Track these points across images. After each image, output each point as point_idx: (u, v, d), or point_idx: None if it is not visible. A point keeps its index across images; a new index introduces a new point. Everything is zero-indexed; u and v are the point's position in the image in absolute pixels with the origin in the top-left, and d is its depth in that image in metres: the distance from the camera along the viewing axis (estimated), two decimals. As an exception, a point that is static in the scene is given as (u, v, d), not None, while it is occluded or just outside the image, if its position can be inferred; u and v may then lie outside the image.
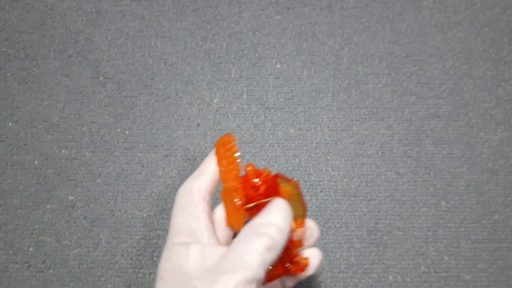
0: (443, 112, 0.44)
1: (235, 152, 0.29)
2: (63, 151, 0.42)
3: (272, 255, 0.24)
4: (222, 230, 0.30)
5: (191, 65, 0.46)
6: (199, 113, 0.44)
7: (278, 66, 0.46)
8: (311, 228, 0.30)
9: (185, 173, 0.42)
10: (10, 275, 0.38)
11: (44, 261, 0.38)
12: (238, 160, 0.28)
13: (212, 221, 0.28)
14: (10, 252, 0.39)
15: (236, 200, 0.27)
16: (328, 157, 0.43)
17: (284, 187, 0.28)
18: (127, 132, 0.43)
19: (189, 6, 0.48)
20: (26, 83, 0.44)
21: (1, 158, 0.42)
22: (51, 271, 0.38)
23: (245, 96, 0.45)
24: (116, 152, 0.42)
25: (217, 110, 0.44)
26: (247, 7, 0.48)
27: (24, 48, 0.46)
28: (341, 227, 0.40)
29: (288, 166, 0.42)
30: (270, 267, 0.27)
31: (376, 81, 0.45)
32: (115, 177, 0.41)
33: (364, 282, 0.39)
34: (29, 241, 0.39)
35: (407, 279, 0.39)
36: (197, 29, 0.47)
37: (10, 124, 0.43)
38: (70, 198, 0.40)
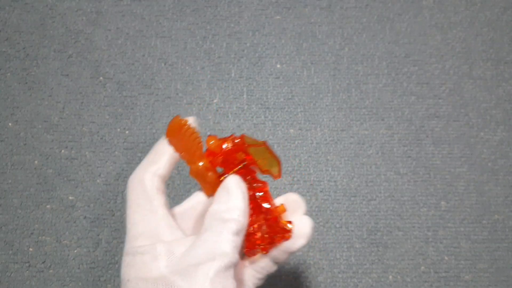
0: (443, 112, 0.44)
1: (191, 132, 0.27)
2: (63, 151, 0.42)
3: (241, 237, 0.24)
4: (190, 220, 0.28)
5: (191, 65, 0.46)
6: (199, 113, 0.44)
7: (278, 66, 0.46)
8: (296, 201, 0.29)
9: (185, 173, 0.42)
10: (10, 275, 0.38)
11: (44, 261, 0.38)
12: (198, 138, 0.27)
13: (172, 213, 0.27)
14: (10, 252, 0.39)
15: (210, 174, 0.26)
16: (328, 157, 0.43)
17: (259, 161, 0.27)
18: (127, 132, 0.43)
19: (189, 6, 0.48)
20: (26, 83, 0.44)
21: (1, 158, 0.42)
22: (51, 271, 0.38)
23: (245, 96, 0.45)
24: (116, 152, 0.42)
25: (217, 110, 0.44)
26: (247, 7, 0.48)
27: (24, 48, 0.46)
28: (341, 227, 0.40)
29: (288, 166, 0.42)
30: (254, 242, 0.26)
31: (376, 81, 0.46)
32: (115, 177, 0.41)
33: (364, 282, 0.39)
34: (29, 241, 0.39)
35: (407, 279, 0.39)
36: (197, 29, 0.47)
37: (10, 124, 0.43)
38: (70, 198, 0.40)
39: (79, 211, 0.40)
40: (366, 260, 0.39)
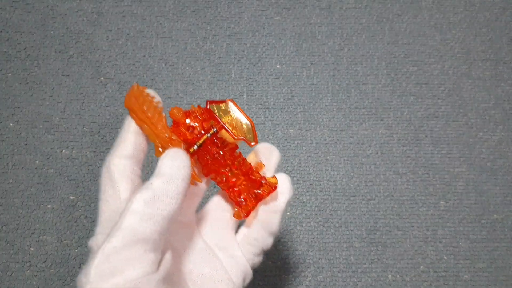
0: (442, 112, 0.45)
1: (152, 101, 0.24)
2: (64, 151, 0.42)
3: (159, 205, 0.21)
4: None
5: (192, 65, 0.46)
6: (199, 113, 0.44)
7: (278, 66, 0.46)
8: (267, 147, 0.28)
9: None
10: (11, 275, 0.38)
11: (45, 261, 0.39)
12: (160, 107, 0.24)
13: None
14: (11, 251, 0.39)
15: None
16: (328, 157, 0.43)
17: (231, 126, 0.25)
18: (127, 132, 0.43)
19: (190, 7, 0.48)
20: (27, 83, 0.44)
21: (3, 158, 0.42)
22: (52, 270, 0.38)
23: (245, 96, 0.45)
24: (117, 152, 0.42)
25: (217, 110, 0.44)
26: (247, 8, 0.48)
27: (25, 49, 0.46)
28: (340, 226, 0.40)
29: (288, 166, 0.42)
30: (243, 203, 0.25)
31: (375, 81, 0.46)
32: (116, 177, 0.41)
33: (364, 281, 0.39)
34: (30, 240, 0.39)
35: (406, 278, 0.39)
36: (197, 30, 0.47)
37: (11, 124, 0.43)
38: (71, 197, 0.41)
39: (80, 210, 0.40)
40: (366, 259, 0.40)
